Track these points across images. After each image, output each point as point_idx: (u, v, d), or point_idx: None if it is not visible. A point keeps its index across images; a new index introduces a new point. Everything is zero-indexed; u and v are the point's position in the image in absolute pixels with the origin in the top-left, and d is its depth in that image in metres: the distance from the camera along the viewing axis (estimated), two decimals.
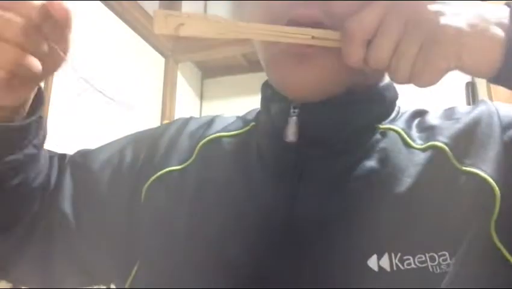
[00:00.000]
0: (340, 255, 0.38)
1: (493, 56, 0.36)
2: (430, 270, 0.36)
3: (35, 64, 0.37)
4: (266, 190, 0.43)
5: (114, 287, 0.52)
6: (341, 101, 0.44)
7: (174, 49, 2.19)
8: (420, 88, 0.38)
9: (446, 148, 0.42)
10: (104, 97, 1.72)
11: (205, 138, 0.50)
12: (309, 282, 0.38)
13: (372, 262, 0.37)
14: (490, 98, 1.66)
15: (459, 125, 0.44)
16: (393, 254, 0.37)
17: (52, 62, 0.39)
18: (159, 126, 0.58)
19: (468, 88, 1.90)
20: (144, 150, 0.52)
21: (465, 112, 0.45)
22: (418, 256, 0.37)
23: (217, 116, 0.55)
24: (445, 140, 0.42)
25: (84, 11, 1.65)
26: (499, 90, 0.40)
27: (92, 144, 0.58)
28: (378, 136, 0.45)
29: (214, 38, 0.37)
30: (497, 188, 0.38)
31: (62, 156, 0.54)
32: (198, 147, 0.50)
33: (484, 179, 0.39)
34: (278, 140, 0.45)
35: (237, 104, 2.23)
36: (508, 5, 0.38)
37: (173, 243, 0.44)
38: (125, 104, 1.84)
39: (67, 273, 0.52)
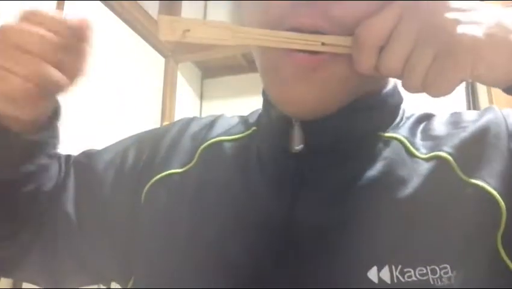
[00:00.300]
0: (339, 266, 0.38)
1: (510, 66, 0.35)
2: (432, 282, 0.35)
3: (61, 77, 0.39)
4: (266, 197, 0.42)
5: (114, 287, 0.53)
6: (344, 109, 0.42)
7: (174, 49, 2.19)
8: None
9: (451, 158, 0.40)
10: (104, 97, 1.72)
11: (206, 142, 0.50)
12: None
13: (372, 274, 0.36)
14: (490, 98, 1.66)
15: (465, 134, 0.42)
16: (393, 266, 0.36)
17: (72, 75, 0.41)
18: (162, 127, 0.57)
19: (468, 88, 1.91)
20: (147, 152, 0.52)
21: (472, 120, 0.44)
22: (419, 268, 0.36)
23: (219, 117, 0.55)
24: (450, 150, 0.41)
25: (84, 11, 1.65)
26: (499, 90, 0.39)
27: (92, 144, 0.58)
28: (381, 145, 0.43)
29: (217, 44, 0.36)
30: (502, 202, 0.37)
31: (67, 158, 0.54)
32: (199, 151, 0.49)
33: (489, 192, 0.38)
34: (279, 147, 0.44)
35: (237, 104, 2.23)
36: None
37: (173, 246, 0.44)
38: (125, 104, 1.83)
39: (70, 272, 0.52)
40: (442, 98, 0.36)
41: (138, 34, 1.99)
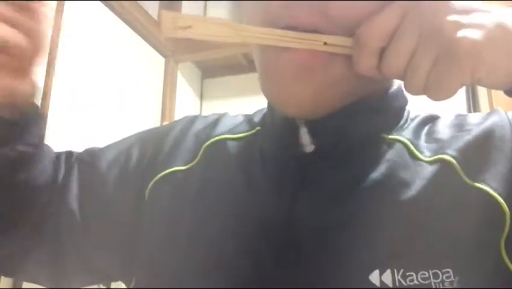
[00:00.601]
0: (341, 268, 0.37)
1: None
2: (433, 286, 0.35)
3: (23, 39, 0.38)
4: (267, 197, 0.42)
5: (114, 288, 0.53)
6: (347, 111, 0.42)
7: (174, 49, 2.19)
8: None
9: (455, 162, 0.40)
10: (104, 97, 1.72)
11: (210, 140, 0.50)
12: None
13: (374, 277, 0.36)
14: (490, 100, 1.66)
15: (469, 137, 0.41)
16: (395, 270, 0.36)
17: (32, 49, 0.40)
18: (166, 124, 0.57)
19: (469, 90, 1.91)
20: (150, 149, 0.52)
21: (477, 123, 0.43)
22: (422, 272, 0.36)
23: (223, 115, 0.55)
24: (454, 153, 0.40)
25: (84, 11, 1.65)
26: (500, 92, 0.38)
27: (92, 144, 0.58)
28: (384, 147, 0.43)
29: (218, 41, 0.36)
30: (506, 207, 0.37)
31: (69, 154, 0.54)
32: (203, 148, 0.49)
33: (493, 197, 0.38)
34: (282, 147, 0.45)
35: (237, 104, 2.23)
36: None
37: (174, 244, 0.44)
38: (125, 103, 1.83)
39: (72, 272, 0.52)
40: (443, 101, 0.35)
41: (138, 34, 1.99)
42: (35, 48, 0.40)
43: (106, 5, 1.79)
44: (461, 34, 0.33)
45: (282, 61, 0.38)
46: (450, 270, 0.36)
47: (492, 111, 0.45)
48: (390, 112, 0.45)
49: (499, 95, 1.55)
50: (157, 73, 2.14)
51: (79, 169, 0.52)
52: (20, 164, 0.46)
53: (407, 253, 0.37)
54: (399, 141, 0.43)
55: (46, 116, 1.38)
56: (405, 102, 0.47)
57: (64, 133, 1.44)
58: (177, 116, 2.13)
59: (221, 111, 0.57)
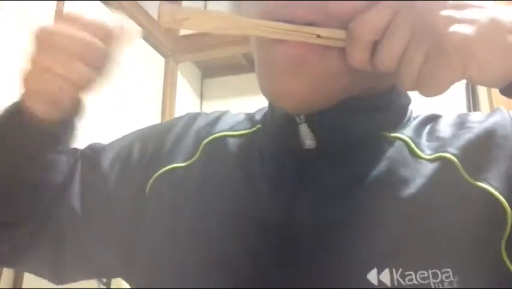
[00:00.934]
0: (339, 266, 0.37)
1: (506, 67, 0.34)
2: (433, 286, 0.35)
3: (97, 80, 0.43)
4: (266, 195, 0.42)
5: (113, 287, 0.53)
6: (348, 108, 0.41)
7: (174, 49, 2.19)
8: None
9: (456, 160, 0.39)
10: (104, 96, 1.72)
11: (209, 136, 0.50)
12: None
13: (372, 276, 0.36)
14: (490, 98, 1.66)
15: (470, 135, 0.41)
16: (394, 269, 0.36)
17: (101, 78, 0.44)
18: (167, 121, 0.58)
19: (468, 88, 1.90)
20: (152, 146, 0.52)
21: (479, 121, 0.42)
22: (421, 272, 0.35)
23: (224, 113, 0.55)
24: (455, 152, 0.40)
25: (84, 11, 1.65)
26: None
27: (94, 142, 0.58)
28: (385, 145, 0.42)
29: (214, 37, 0.36)
30: (508, 207, 0.36)
31: (73, 151, 0.55)
32: (203, 145, 0.49)
33: (494, 196, 0.37)
34: (281, 145, 0.44)
35: (237, 104, 2.23)
36: None
37: (173, 242, 0.44)
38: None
39: (75, 266, 0.53)
40: (438, 97, 0.35)
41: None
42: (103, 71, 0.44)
43: (106, 5, 1.80)
44: (452, 29, 0.33)
45: (276, 54, 0.38)
46: (449, 269, 0.35)
47: (494, 109, 0.44)
48: (392, 110, 0.45)
49: (499, 93, 1.55)
50: (157, 73, 2.15)
51: (82, 166, 0.53)
52: (43, 167, 0.48)
53: (406, 252, 0.36)
54: (400, 139, 0.43)
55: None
56: (408, 100, 0.47)
57: None
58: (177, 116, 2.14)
59: (213, 111, 0.57)
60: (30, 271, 0.55)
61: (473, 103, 1.89)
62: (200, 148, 0.49)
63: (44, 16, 1.48)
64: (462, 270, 0.35)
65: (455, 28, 0.33)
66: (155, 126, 0.58)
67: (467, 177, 0.38)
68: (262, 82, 0.41)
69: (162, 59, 2.19)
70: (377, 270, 0.36)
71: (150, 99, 2.06)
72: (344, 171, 0.42)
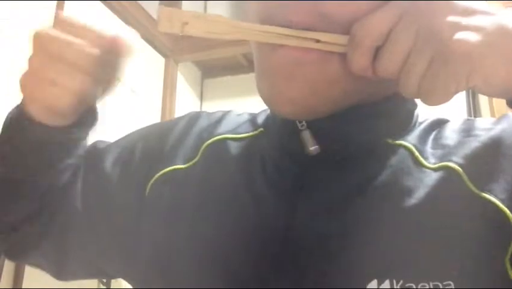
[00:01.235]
0: (339, 276, 0.36)
1: (511, 77, 0.32)
2: None
3: (98, 89, 0.42)
4: (266, 202, 0.41)
5: (113, 287, 0.53)
6: (350, 114, 0.40)
7: (174, 49, 2.19)
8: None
9: (460, 169, 0.38)
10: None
11: (211, 138, 0.49)
12: None
13: (372, 287, 0.35)
14: (491, 101, 1.65)
15: (476, 144, 0.39)
16: (394, 281, 0.35)
17: (105, 86, 0.44)
18: (169, 121, 0.57)
19: (469, 90, 1.89)
20: (153, 145, 0.52)
21: (485, 128, 0.41)
22: (422, 284, 0.34)
23: (228, 113, 0.54)
24: (459, 161, 0.38)
25: (84, 11, 1.65)
26: None
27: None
28: (388, 153, 0.41)
29: (214, 38, 0.36)
30: None
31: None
32: (203, 147, 0.48)
33: (500, 208, 0.36)
34: (282, 152, 0.44)
35: (237, 104, 2.23)
36: None
37: (171, 244, 0.43)
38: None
39: (75, 266, 0.53)
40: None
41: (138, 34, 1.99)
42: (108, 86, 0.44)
43: (106, 5, 1.80)
44: (457, 36, 0.31)
45: (275, 58, 0.37)
46: (451, 282, 0.34)
47: (502, 116, 0.42)
48: (396, 116, 0.43)
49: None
50: (157, 73, 2.14)
51: (85, 166, 0.53)
52: (57, 173, 0.49)
53: (408, 263, 0.36)
54: (404, 146, 0.41)
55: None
56: (414, 106, 0.45)
57: None
58: (177, 116, 2.14)
59: (216, 110, 0.56)
60: (34, 266, 0.56)
61: (473, 106, 1.87)
62: (201, 150, 0.48)
63: (45, 16, 1.48)
64: (465, 282, 0.34)
65: (460, 35, 0.31)
66: (157, 124, 0.57)
67: (471, 187, 0.37)
68: (261, 87, 0.40)
69: (162, 59, 2.19)
70: (378, 281, 0.35)
71: (150, 99, 2.06)
72: (345, 179, 0.41)
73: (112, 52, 0.41)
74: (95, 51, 0.40)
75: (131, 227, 0.48)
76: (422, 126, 0.44)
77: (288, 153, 0.43)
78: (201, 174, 0.46)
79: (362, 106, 0.40)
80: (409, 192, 0.38)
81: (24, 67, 0.42)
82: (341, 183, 0.40)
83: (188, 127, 0.52)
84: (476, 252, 0.35)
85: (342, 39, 0.35)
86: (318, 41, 0.35)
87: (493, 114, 1.62)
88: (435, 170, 0.39)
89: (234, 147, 0.47)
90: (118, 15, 1.86)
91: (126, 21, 1.91)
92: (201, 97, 2.50)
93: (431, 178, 0.38)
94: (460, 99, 1.88)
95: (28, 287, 1.30)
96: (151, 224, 0.46)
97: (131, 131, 0.57)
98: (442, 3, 0.33)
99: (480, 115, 1.85)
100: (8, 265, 1.29)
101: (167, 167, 0.48)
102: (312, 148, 0.41)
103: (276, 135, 0.45)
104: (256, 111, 0.53)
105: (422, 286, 0.34)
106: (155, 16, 2.03)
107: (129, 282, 0.50)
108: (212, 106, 2.43)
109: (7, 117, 0.47)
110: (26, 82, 0.42)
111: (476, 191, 0.37)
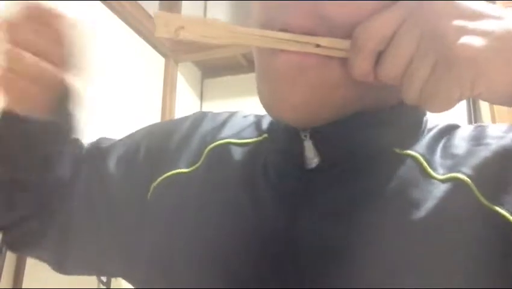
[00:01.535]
0: (340, 287, 0.35)
1: None
2: None
3: (62, 73, 0.42)
4: (269, 211, 0.40)
5: (113, 287, 0.54)
6: (354, 123, 0.39)
7: (174, 49, 2.19)
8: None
9: (469, 181, 0.36)
10: (104, 97, 1.72)
11: (214, 142, 0.48)
12: None
13: None
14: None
15: (486, 153, 0.37)
16: None
17: (72, 69, 0.44)
18: (175, 120, 0.56)
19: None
20: (157, 146, 0.51)
21: (497, 137, 0.39)
22: None
23: (234, 114, 0.52)
24: (469, 172, 0.37)
25: (84, 11, 1.65)
26: None
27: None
28: (395, 162, 0.39)
29: (211, 42, 0.35)
30: None
31: (78, 144, 0.55)
32: (206, 151, 0.47)
33: (510, 223, 0.34)
34: (286, 160, 0.42)
35: (237, 104, 2.23)
36: None
37: (173, 248, 0.43)
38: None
39: (76, 265, 0.53)
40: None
41: (138, 34, 1.99)
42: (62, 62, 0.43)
43: (106, 5, 1.80)
44: (462, 40, 0.30)
45: (275, 63, 0.36)
46: None
47: None
48: (404, 124, 0.41)
49: None
50: (157, 73, 2.15)
51: (88, 165, 0.52)
52: (44, 162, 0.48)
53: (413, 278, 0.34)
54: (412, 156, 0.40)
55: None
56: (423, 112, 0.43)
57: None
58: (177, 116, 2.14)
59: (222, 111, 0.55)
60: (37, 259, 0.56)
61: (473, 108, 1.85)
62: (204, 154, 0.47)
63: None
64: None
65: (466, 40, 0.30)
66: (162, 124, 0.57)
67: (482, 200, 0.35)
68: (261, 93, 0.39)
69: (162, 59, 2.19)
70: None
71: (150, 99, 2.06)
72: (350, 190, 0.39)
73: (72, 34, 0.41)
74: (53, 33, 0.40)
75: (132, 228, 0.48)
76: (431, 134, 0.42)
77: (291, 162, 0.42)
78: (203, 179, 0.46)
79: (368, 113, 0.39)
80: (416, 204, 0.36)
81: None
82: (345, 194, 0.39)
83: (193, 129, 0.51)
84: (485, 267, 0.34)
85: (343, 43, 0.34)
86: (318, 45, 0.34)
87: (493, 116, 1.61)
88: (443, 181, 0.37)
89: (237, 153, 0.46)
90: (118, 15, 1.87)
91: (126, 21, 1.92)
92: (201, 97, 2.50)
93: (440, 190, 0.37)
94: (461, 103, 1.86)
95: (28, 287, 1.31)
96: (153, 226, 0.46)
97: (135, 130, 0.56)
98: (448, 6, 0.32)
99: (480, 117, 1.84)
100: (8, 266, 1.29)
101: (170, 170, 0.48)
102: (314, 160, 0.40)
103: (279, 141, 0.44)
104: (258, 111, 0.52)
105: None
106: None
107: (129, 282, 0.51)
108: (212, 106, 2.43)
109: None
110: None
111: (487, 203, 0.35)
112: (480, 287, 0.33)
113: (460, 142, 0.40)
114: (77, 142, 0.54)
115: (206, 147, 0.48)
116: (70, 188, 0.51)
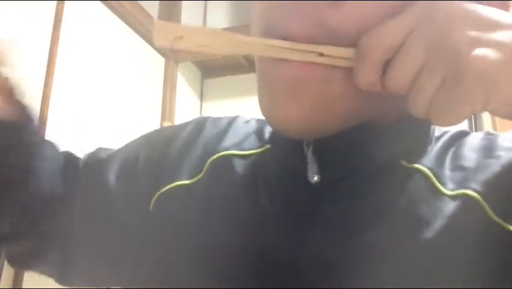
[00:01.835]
0: None
1: None
2: None
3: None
4: (271, 228, 0.39)
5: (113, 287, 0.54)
6: (359, 135, 0.37)
7: (174, 49, 2.19)
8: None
9: (480, 198, 0.35)
10: (104, 97, 1.72)
11: (216, 154, 0.46)
12: None
13: None
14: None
15: (497, 168, 0.36)
16: None
17: None
18: (174, 127, 0.55)
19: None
20: (157, 156, 0.49)
21: (507, 148, 0.37)
22: None
23: (234, 120, 0.51)
24: (479, 188, 0.35)
25: (84, 11, 1.65)
26: None
27: (92, 145, 0.57)
28: (402, 177, 0.38)
29: (211, 52, 0.34)
30: None
31: (74, 161, 0.53)
32: (208, 163, 0.46)
33: None
34: (289, 175, 0.41)
35: (237, 104, 2.23)
36: None
37: (174, 258, 0.43)
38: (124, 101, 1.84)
39: (78, 279, 0.53)
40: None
41: (138, 34, 1.99)
42: None
43: (106, 5, 1.80)
44: (475, 52, 0.28)
45: (276, 74, 0.34)
46: None
47: None
48: (411, 136, 0.40)
49: None
50: (157, 73, 2.15)
51: (85, 179, 0.51)
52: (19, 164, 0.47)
53: None
54: (420, 170, 0.38)
55: (45, 118, 1.38)
56: (430, 123, 0.40)
57: (64, 133, 1.44)
58: (178, 116, 2.14)
59: (221, 111, 0.54)
60: (40, 273, 0.56)
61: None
62: (206, 166, 0.46)
63: (45, 16, 1.48)
64: None
65: (478, 52, 0.28)
66: (161, 132, 0.55)
67: (494, 217, 0.34)
68: (260, 102, 0.38)
69: (162, 59, 2.18)
70: None
71: (150, 99, 2.06)
72: (355, 207, 0.38)
73: None
74: None
75: (133, 242, 0.47)
76: (439, 144, 0.40)
77: (293, 174, 0.40)
78: (206, 192, 0.45)
79: (373, 125, 0.37)
80: (426, 223, 0.35)
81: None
82: (350, 210, 0.38)
83: (194, 137, 0.49)
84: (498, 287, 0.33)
85: (347, 52, 0.32)
86: (321, 54, 0.32)
87: (493, 121, 1.60)
88: (453, 197, 0.36)
89: (239, 166, 0.45)
90: (118, 15, 1.87)
91: (126, 21, 1.91)
92: (201, 97, 2.50)
93: (449, 208, 0.35)
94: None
95: (27, 287, 1.31)
96: (155, 240, 0.45)
97: (134, 138, 0.55)
98: (462, 13, 0.29)
99: (481, 120, 1.82)
100: (8, 266, 1.29)
101: (171, 182, 0.46)
102: (315, 176, 0.39)
103: (282, 154, 0.42)
104: (258, 112, 0.51)
105: None
106: (155, 16, 2.04)
107: None
108: (212, 106, 2.43)
109: None
110: None
111: (499, 221, 0.34)
112: None
113: (470, 153, 0.39)
114: (66, 155, 0.53)
115: (208, 158, 0.47)
116: (64, 204, 0.50)
